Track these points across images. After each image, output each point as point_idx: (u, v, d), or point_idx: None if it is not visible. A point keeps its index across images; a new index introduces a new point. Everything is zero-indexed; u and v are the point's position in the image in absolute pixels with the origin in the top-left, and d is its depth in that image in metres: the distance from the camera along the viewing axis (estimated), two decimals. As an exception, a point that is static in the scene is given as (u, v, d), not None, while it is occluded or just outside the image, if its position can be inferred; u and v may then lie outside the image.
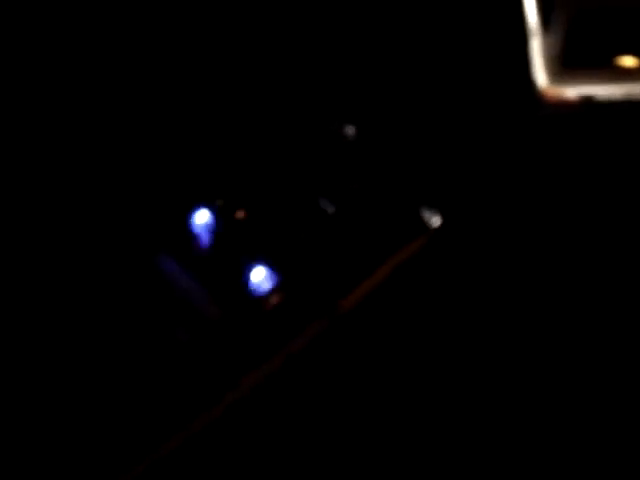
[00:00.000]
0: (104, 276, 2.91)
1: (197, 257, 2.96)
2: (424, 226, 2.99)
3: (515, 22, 3.06)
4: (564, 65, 3.02)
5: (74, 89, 3.30)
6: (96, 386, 2.68)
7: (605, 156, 2.71)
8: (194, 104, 3.16)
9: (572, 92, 2.87)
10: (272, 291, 2.81)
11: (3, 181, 3.17)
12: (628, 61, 2.51)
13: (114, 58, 3.28)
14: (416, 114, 3.00)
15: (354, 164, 3.15)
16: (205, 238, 3.02)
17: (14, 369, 2.77)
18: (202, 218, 3.01)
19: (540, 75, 3.05)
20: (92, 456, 2.56)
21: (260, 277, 2.81)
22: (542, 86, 3.01)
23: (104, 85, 3.25)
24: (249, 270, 2.90)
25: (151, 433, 2.66)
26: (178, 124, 3.13)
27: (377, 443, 2.65)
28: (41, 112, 3.35)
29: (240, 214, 2.91)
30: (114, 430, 2.58)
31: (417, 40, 3.09)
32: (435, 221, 2.97)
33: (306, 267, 2.85)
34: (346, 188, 3.05)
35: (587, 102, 2.61)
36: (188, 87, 3.20)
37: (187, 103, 3.17)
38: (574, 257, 2.79)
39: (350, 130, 3.23)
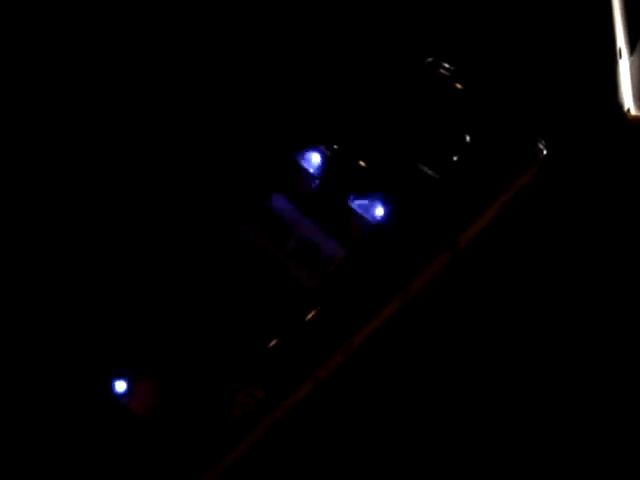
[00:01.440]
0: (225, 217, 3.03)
1: (316, 201, 2.98)
2: (535, 157, 3.07)
3: (604, 47, 3.24)
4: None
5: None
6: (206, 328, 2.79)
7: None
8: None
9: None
10: (394, 228, 2.87)
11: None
12: None
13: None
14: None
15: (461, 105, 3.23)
16: (319, 182, 3.04)
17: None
18: (316, 161, 3.06)
19: (625, 98, 3.22)
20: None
21: (381, 213, 2.86)
22: (627, 108, 3.19)
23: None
24: (370, 208, 2.92)
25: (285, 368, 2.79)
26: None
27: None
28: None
29: (360, 162, 2.96)
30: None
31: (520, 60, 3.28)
32: (543, 151, 3.07)
33: (427, 204, 2.91)
34: (460, 129, 3.13)
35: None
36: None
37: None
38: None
39: (449, 69, 3.31)
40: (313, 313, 2.96)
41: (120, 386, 2.90)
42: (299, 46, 3.54)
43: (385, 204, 3.12)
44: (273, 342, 2.91)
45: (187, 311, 2.98)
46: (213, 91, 3.53)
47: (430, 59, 3.56)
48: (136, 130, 3.47)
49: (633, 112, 3.74)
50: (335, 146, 3.27)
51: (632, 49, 3.79)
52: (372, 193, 3.16)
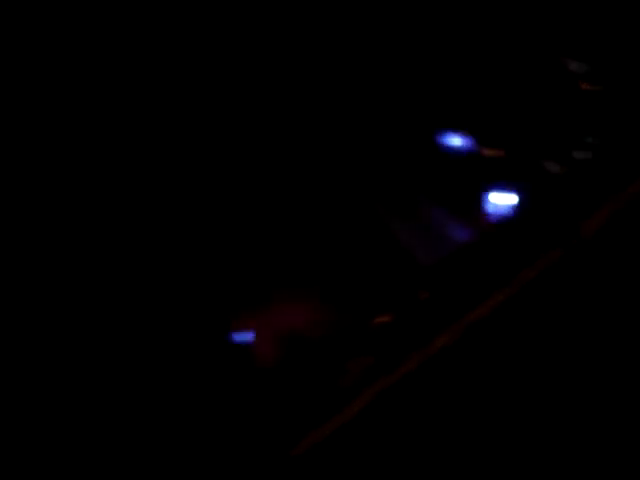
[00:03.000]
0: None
1: (445, 185, 3.02)
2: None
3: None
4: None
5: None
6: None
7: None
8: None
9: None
10: (512, 216, 2.92)
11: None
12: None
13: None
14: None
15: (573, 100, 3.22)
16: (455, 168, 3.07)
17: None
18: (449, 147, 3.10)
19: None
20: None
21: (500, 202, 2.91)
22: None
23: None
24: (499, 199, 2.94)
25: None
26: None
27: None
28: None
29: (491, 150, 3.00)
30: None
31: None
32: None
33: (547, 191, 2.93)
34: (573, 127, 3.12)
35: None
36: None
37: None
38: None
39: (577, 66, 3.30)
40: (427, 290, 3.02)
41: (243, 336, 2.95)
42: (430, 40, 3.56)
43: (514, 195, 3.17)
44: (387, 314, 2.98)
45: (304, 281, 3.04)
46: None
47: (563, 57, 3.58)
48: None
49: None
50: (470, 135, 3.32)
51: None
52: (501, 184, 3.20)
